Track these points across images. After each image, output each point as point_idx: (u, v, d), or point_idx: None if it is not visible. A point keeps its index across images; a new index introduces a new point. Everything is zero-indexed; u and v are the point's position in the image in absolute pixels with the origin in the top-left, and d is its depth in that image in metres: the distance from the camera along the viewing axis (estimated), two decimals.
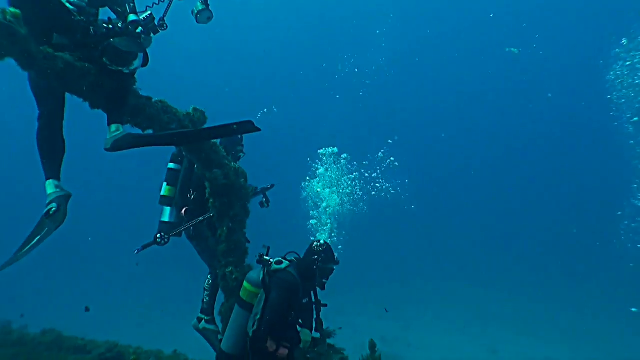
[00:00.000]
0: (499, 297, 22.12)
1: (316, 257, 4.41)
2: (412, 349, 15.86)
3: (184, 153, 5.13)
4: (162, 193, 5.29)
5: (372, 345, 3.86)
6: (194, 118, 4.44)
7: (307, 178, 7.05)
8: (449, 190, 44.02)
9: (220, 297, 5.16)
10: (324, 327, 4.67)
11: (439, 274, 28.00)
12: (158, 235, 4.88)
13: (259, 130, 3.71)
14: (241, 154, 5.71)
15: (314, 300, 4.70)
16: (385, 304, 21.71)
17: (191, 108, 4.49)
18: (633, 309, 9.34)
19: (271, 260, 4.34)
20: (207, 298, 5.28)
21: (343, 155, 7.41)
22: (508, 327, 17.02)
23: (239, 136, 5.65)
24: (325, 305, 4.66)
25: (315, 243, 4.56)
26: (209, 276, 5.36)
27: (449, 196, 43.52)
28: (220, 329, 5.11)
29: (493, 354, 14.62)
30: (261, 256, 4.44)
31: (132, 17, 3.40)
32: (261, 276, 4.24)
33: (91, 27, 3.38)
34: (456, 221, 39.88)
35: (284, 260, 4.35)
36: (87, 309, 6.32)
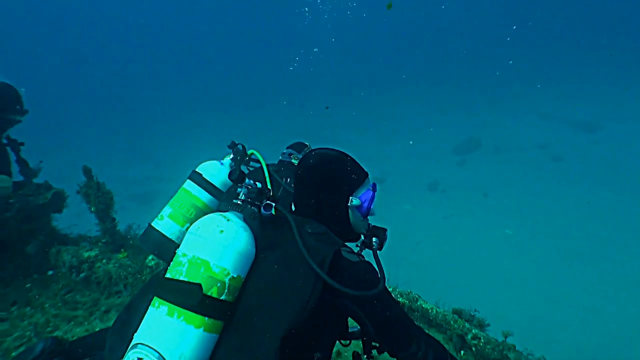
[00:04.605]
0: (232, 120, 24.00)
1: None
2: (164, 183, 16.26)
3: None
4: None
5: (87, 171, 3.60)
6: None
7: None
8: None
9: None
10: (30, 166, 4.09)
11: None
12: None
13: None
14: None
15: (5, 141, 3.97)
16: (128, 153, 20.96)
17: None
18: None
19: None
20: None
21: None
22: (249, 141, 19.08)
23: None
24: (23, 144, 4.01)
25: None
26: None
27: None
28: None
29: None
30: None
31: None
32: None
33: None
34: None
35: None
36: None
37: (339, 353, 2.57)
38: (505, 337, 2.46)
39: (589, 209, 11.53)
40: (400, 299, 2.78)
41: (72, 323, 3.03)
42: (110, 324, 3.01)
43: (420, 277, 8.59)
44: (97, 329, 2.93)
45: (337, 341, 1.72)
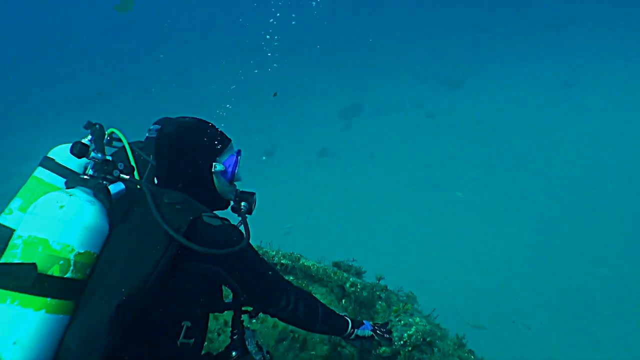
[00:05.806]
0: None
1: None
2: None
3: None
4: None
5: None
6: None
7: None
8: None
9: None
10: None
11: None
12: None
13: None
14: None
15: None
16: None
17: None
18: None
19: None
20: None
21: None
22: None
23: None
24: None
25: None
26: None
27: None
28: None
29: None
30: None
31: None
32: None
33: None
34: None
35: None
36: None
37: (226, 323, 2.58)
38: (379, 280, 2.68)
39: (457, 158, 12.86)
40: (283, 261, 2.86)
41: None
42: None
43: (314, 241, 8.97)
44: None
45: (219, 312, 1.71)
